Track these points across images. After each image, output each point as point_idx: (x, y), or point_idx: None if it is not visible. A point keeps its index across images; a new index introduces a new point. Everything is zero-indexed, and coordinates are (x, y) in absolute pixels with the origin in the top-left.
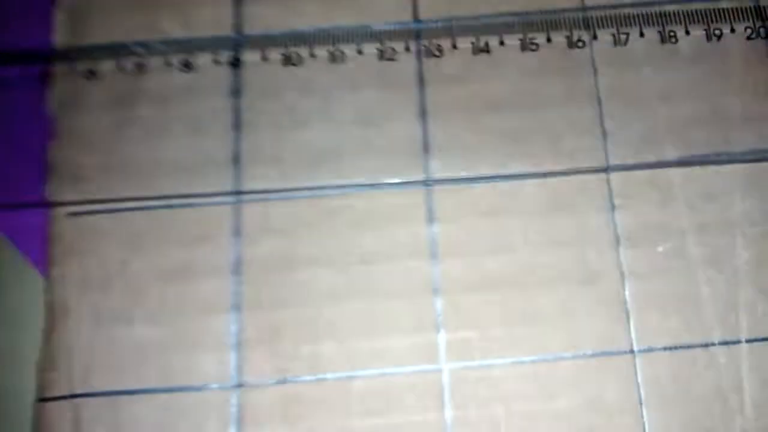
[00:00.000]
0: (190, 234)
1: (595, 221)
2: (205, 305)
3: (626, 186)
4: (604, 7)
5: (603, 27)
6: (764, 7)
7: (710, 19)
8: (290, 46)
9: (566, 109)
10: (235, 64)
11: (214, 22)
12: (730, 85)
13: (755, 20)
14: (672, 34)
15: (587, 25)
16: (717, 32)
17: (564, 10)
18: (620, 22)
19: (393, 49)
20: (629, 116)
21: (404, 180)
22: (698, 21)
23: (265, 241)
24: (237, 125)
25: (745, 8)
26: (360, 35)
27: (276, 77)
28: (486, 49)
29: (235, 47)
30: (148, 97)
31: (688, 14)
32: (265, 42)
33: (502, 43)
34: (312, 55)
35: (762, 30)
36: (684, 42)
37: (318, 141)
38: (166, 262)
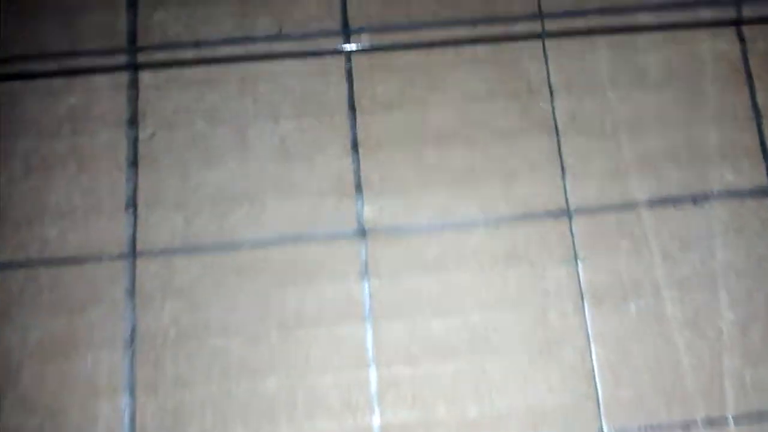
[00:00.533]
0: (75, 298)
1: (556, 275)
2: (91, 387)
3: (591, 233)
4: (562, 15)
5: (560, 43)
6: (745, 20)
7: (683, 36)
8: (197, 64)
9: (519, 141)
10: (132, 85)
11: (106, 32)
12: (706, 112)
13: (735, 37)
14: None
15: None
16: (690, 51)
17: (516, 19)
18: (581, 38)
19: (320, 68)
20: (591, 149)
21: (333, 230)
22: (669, 37)
23: (166, 305)
24: (133, 161)
25: (724, 20)
26: (279, 51)
27: (180, 102)
28: (426, 69)
29: (130, 64)
30: (27, 127)
31: (658, 29)
32: (167, 58)
33: (446, 60)
34: (224, 77)
35: (742, 48)
36: (653, 62)
37: (230, 181)
38: (45, 334)
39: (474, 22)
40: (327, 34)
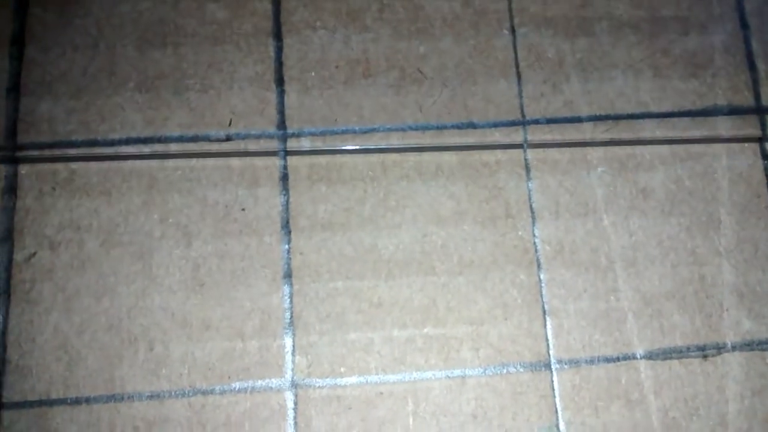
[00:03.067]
0: None
1: None
2: None
3: (577, 391)
4: (549, 122)
5: (546, 155)
6: None
7: (695, 151)
8: (92, 169)
9: (493, 276)
10: (8, 192)
11: None
12: (720, 245)
13: (758, 154)
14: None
15: (527, 166)
16: (703, 170)
17: (494, 125)
18: (572, 151)
19: (248, 180)
20: (580, 288)
21: (256, 383)
22: (678, 152)
23: None
24: (4, 289)
25: (745, 135)
26: (196, 154)
27: (69, 216)
28: (379, 182)
29: (7, 166)
30: None
31: (664, 142)
32: (54, 160)
33: (405, 173)
34: (126, 186)
35: (765, 167)
36: (658, 182)
37: (126, 319)
38: None
39: (441, 126)
40: (258, 134)
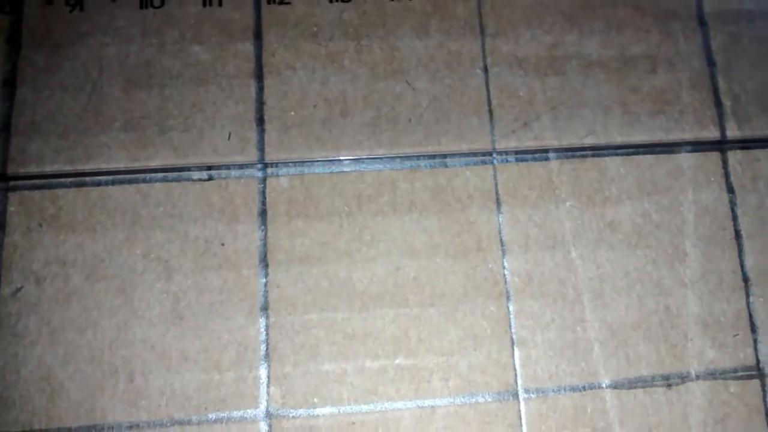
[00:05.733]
0: None
1: None
2: None
3: (543, 419)
4: (519, 159)
5: (516, 191)
6: (732, 170)
7: (661, 185)
8: (78, 205)
9: (463, 307)
10: None
11: None
12: (685, 277)
13: (724, 188)
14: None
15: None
16: (669, 204)
17: (466, 156)
18: (541, 186)
19: (227, 214)
20: (548, 319)
21: (232, 413)
22: (645, 187)
23: None
24: None
25: (709, 169)
26: (180, 188)
27: (55, 251)
28: (355, 218)
29: None
30: None
31: (630, 177)
32: (41, 196)
33: (379, 208)
34: (110, 222)
35: (731, 201)
36: (625, 216)
37: (108, 350)
38: None
39: (414, 165)
40: (238, 172)
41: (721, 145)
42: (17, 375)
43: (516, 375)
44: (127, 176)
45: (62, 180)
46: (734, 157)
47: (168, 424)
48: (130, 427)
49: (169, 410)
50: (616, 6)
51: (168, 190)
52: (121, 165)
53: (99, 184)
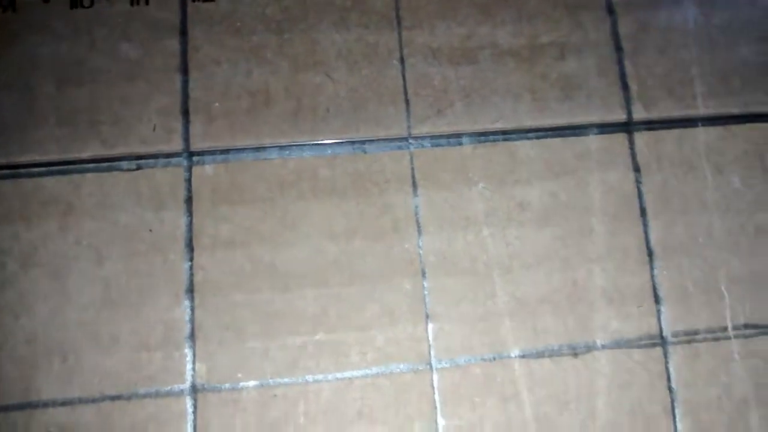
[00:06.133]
0: None
1: None
2: None
3: (455, 389)
4: (434, 144)
5: (432, 173)
6: (638, 150)
7: (569, 166)
8: (13, 197)
9: (380, 285)
10: None
11: None
12: (592, 253)
13: (630, 168)
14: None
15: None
16: (577, 183)
17: (386, 140)
18: (455, 171)
19: (155, 201)
20: (460, 294)
21: (160, 387)
22: (553, 168)
23: None
24: None
25: (616, 150)
26: (110, 181)
27: None
28: (277, 203)
29: None
30: None
31: (540, 159)
32: None
33: (302, 193)
34: (44, 212)
35: (636, 180)
36: (535, 195)
37: (43, 333)
38: None
39: (335, 147)
40: (165, 162)
41: (627, 127)
42: None
43: (429, 347)
44: (60, 167)
45: None
46: (641, 137)
47: (100, 400)
48: (64, 404)
49: (101, 387)
50: None
51: (99, 181)
52: (54, 157)
53: (33, 175)
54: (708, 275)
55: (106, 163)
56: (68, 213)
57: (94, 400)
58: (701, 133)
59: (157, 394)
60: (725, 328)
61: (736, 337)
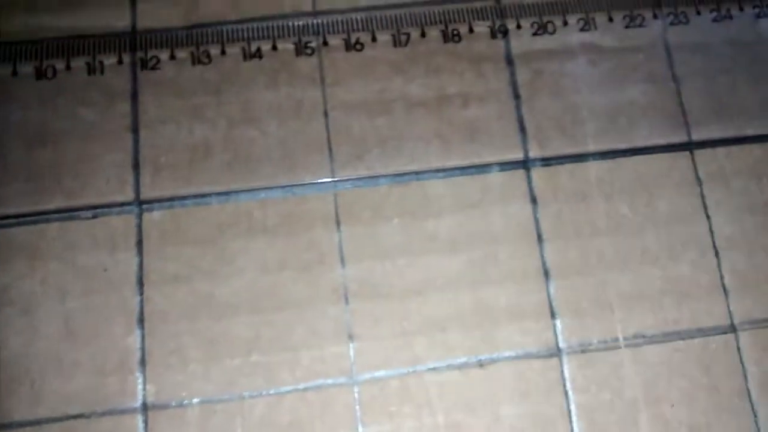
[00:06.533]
0: None
1: None
2: None
3: (375, 399)
4: (355, 185)
5: (352, 211)
6: (535, 182)
7: (473, 199)
8: None
9: (307, 311)
10: None
11: None
12: (496, 275)
13: (528, 199)
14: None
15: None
16: (482, 214)
17: (309, 185)
18: (373, 210)
19: (110, 244)
20: (380, 316)
21: (115, 406)
22: (460, 203)
23: None
24: None
25: (515, 185)
26: (71, 229)
27: None
28: (217, 242)
29: None
30: None
31: (449, 196)
32: None
33: (239, 232)
34: (14, 258)
35: (533, 209)
36: (444, 227)
37: (14, 363)
38: None
39: (267, 195)
40: (118, 210)
41: (525, 164)
42: None
43: (352, 364)
44: (28, 218)
45: None
46: (537, 173)
47: (64, 419)
48: (32, 423)
49: (65, 408)
50: (435, 54)
51: (62, 228)
52: (24, 209)
53: (3, 226)
54: (599, 292)
55: (67, 212)
56: (35, 257)
57: (58, 419)
58: (592, 167)
59: (113, 412)
60: (616, 339)
61: (626, 346)
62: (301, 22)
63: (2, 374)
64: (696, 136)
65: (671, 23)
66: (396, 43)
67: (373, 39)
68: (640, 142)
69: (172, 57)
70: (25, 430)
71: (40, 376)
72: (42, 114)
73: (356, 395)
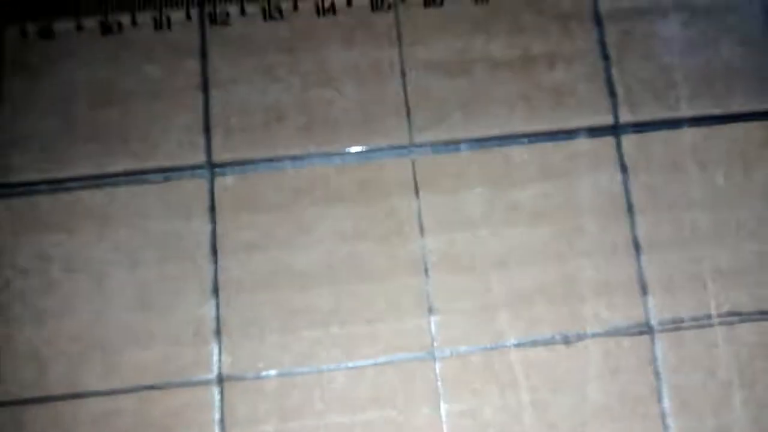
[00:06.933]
0: None
1: (418, 420)
2: None
3: (457, 375)
4: (434, 151)
5: (433, 179)
6: (625, 150)
7: (560, 169)
8: (54, 208)
9: (386, 282)
10: None
11: None
12: (582, 248)
13: (618, 169)
14: None
15: None
16: (568, 184)
17: (385, 150)
18: (454, 177)
19: (183, 210)
20: (460, 289)
21: (190, 377)
22: (545, 171)
23: None
24: None
25: (604, 153)
26: (141, 193)
27: (37, 249)
28: (293, 209)
29: None
30: None
31: (533, 163)
32: (23, 203)
33: (315, 199)
34: (83, 222)
35: (624, 179)
36: (528, 197)
37: (86, 331)
38: None
39: (344, 156)
40: (190, 174)
41: (615, 130)
42: (8, 353)
43: (432, 338)
44: (95, 182)
45: (40, 187)
46: (627, 140)
47: (138, 390)
48: (106, 394)
49: (139, 379)
50: (519, 12)
51: (131, 192)
52: (90, 172)
53: (71, 189)
54: (692, 267)
55: (136, 175)
56: (104, 223)
57: (132, 390)
58: (686, 134)
59: (188, 384)
60: (709, 316)
61: (720, 324)
62: None
63: (74, 344)
64: None
65: None
66: None
67: None
68: (737, 108)
69: (242, 12)
70: (99, 400)
71: (112, 346)
72: (107, 71)
73: (437, 371)
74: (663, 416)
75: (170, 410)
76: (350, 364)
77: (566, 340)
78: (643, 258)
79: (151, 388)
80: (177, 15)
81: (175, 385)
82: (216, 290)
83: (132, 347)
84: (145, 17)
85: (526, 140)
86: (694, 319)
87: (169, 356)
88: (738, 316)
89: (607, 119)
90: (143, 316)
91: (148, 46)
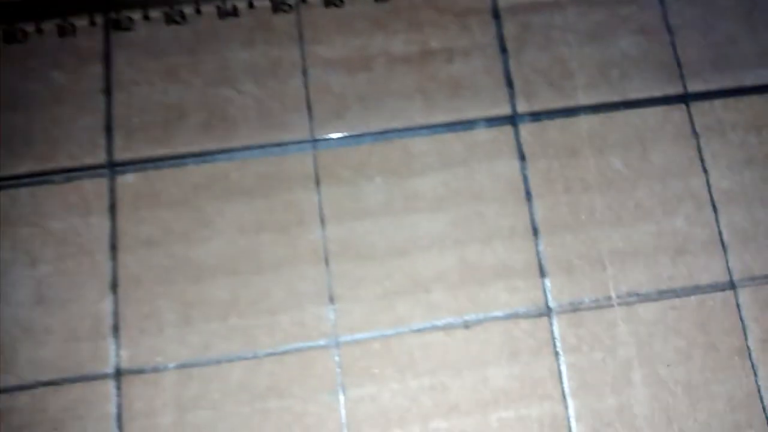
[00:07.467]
0: None
1: (317, 408)
2: None
3: (356, 362)
4: (335, 144)
5: (334, 171)
6: (523, 137)
7: (459, 157)
8: None
9: (286, 273)
10: None
11: None
12: (482, 233)
13: (516, 156)
14: None
15: None
16: (467, 173)
17: (288, 144)
18: (355, 169)
19: (83, 208)
20: (361, 276)
21: (88, 372)
22: (445, 161)
23: None
24: None
25: (503, 141)
26: (42, 193)
27: None
28: (193, 204)
29: None
30: None
31: (433, 153)
32: None
33: (215, 194)
34: None
35: (521, 167)
36: (428, 186)
37: None
38: None
39: (245, 152)
40: (91, 173)
41: (512, 119)
42: None
43: (333, 326)
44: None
45: None
46: (525, 128)
47: (35, 386)
48: (2, 391)
49: (36, 375)
50: (418, 9)
51: (33, 193)
52: None
53: None
54: (591, 249)
55: (38, 177)
56: (5, 223)
57: (29, 387)
58: (583, 121)
59: (84, 378)
60: (609, 297)
61: (619, 304)
62: None
63: None
64: (692, 88)
65: None
66: None
67: None
68: (633, 95)
69: (146, 17)
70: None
71: (9, 343)
72: (12, 78)
73: (337, 358)
74: (563, 396)
75: (66, 405)
76: (249, 355)
77: (466, 324)
78: (542, 242)
79: (48, 383)
80: (82, 22)
81: (71, 380)
82: (114, 286)
83: (29, 343)
84: (50, 24)
85: (425, 131)
86: (593, 300)
87: (66, 352)
88: (637, 296)
89: (505, 109)
90: (41, 312)
91: (54, 53)
